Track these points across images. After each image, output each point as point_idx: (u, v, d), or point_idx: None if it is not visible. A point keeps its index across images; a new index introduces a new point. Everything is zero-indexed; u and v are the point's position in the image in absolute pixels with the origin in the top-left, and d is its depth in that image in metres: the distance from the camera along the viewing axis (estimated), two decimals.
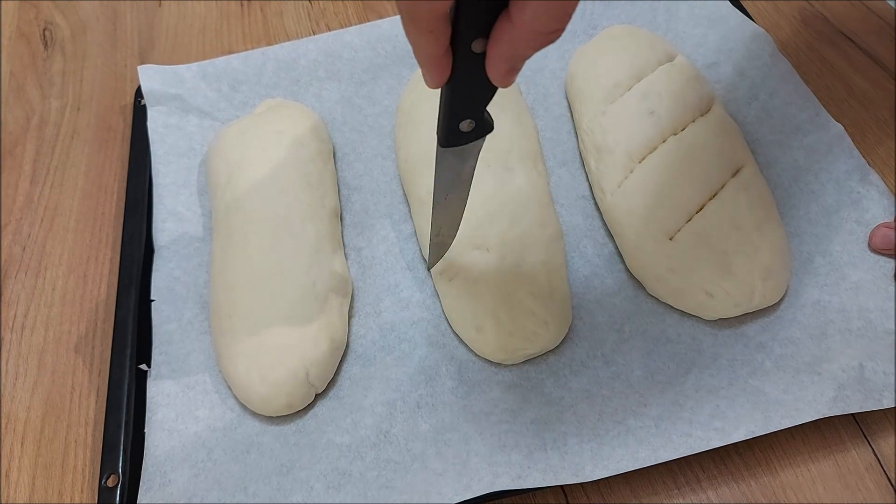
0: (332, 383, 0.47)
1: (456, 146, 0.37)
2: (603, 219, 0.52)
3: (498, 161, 0.50)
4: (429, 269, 0.49)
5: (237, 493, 0.42)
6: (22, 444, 0.47)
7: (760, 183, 0.49)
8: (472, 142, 0.37)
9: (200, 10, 0.73)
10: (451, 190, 0.41)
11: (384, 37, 0.63)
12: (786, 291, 0.47)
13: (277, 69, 0.62)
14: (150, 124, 0.58)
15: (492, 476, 0.40)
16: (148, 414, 0.46)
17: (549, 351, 0.46)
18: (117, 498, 0.42)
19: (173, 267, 0.52)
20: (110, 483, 0.42)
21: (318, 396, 0.46)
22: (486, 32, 0.29)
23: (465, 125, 0.36)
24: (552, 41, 0.29)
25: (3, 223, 0.59)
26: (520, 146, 0.52)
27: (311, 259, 0.48)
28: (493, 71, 0.30)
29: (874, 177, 0.49)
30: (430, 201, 0.50)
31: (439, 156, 0.38)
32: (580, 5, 0.63)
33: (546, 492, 0.42)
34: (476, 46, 0.30)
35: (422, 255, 0.52)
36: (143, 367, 0.47)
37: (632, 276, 0.49)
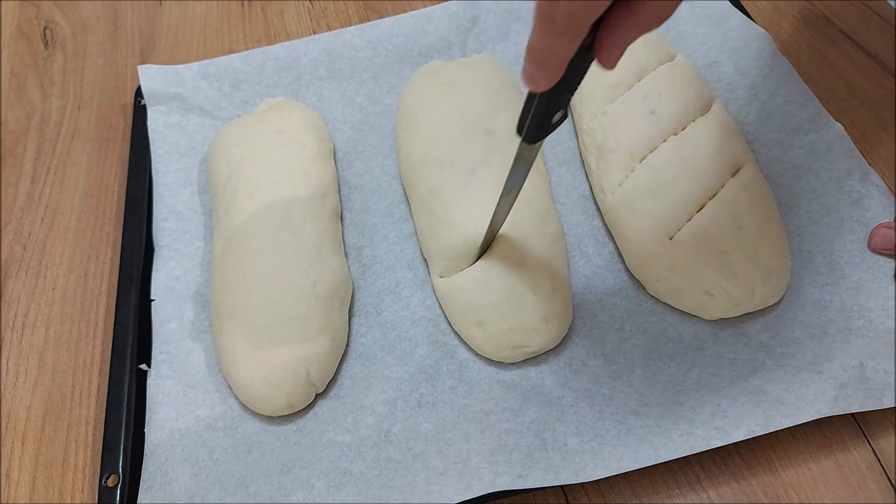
0: (332, 382, 0.47)
1: (543, 138, 0.38)
2: (603, 218, 0.52)
3: (500, 161, 0.50)
4: (474, 262, 0.48)
5: (238, 493, 0.42)
6: (22, 443, 0.47)
7: (761, 182, 0.49)
8: (552, 132, 0.38)
9: (201, 9, 0.73)
10: (521, 179, 0.42)
11: (385, 36, 0.63)
12: (786, 291, 0.47)
13: (278, 68, 0.62)
14: (150, 124, 0.58)
15: (492, 475, 0.40)
16: (148, 413, 0.46)
17: (550, 350, 0.46)
18: (117, 497, 0.42)
19: (173, 266, 0.52)
20: (110, 483, 0.42)
21: (318, 396, 0.46)
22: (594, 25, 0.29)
23: (558, 116, 0.36)
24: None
25: (3, 222, 0.59)
26: None
27: (312, 258, 0.48)
28: (608, 58, 0.31)
29: (874, 176, 0.49)
30: (431, 201, 0.50)
31: (520, 151, 0.39)
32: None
33: (546, 492, 0.42)
34: (587, 40, 0.30)
35: (422, 255, 0.52)
36: (144, 366, 0.47)
37: (632, 276, 0.49)
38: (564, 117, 0.37)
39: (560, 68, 0.31)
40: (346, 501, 0.41)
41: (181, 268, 0.52)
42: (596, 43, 0.31)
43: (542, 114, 0.35)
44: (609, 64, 0.32)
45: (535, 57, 0.30)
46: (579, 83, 0.34)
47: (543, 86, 0.32)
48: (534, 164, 0.51)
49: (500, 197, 0.43)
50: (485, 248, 0.47)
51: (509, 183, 0.42)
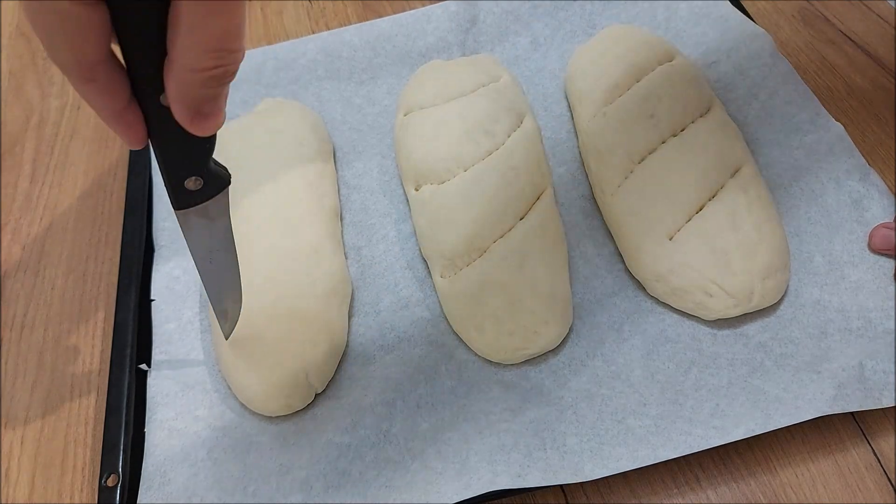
0: (331, 383, 0.47)
1: (190, 206, 0.34)
2: (603, 218, 0.52)
3: (502, 160, 0.50)
4: (227, 339, 0.45)
5: (237, 493, 0.42)
6: (21, 443, 0.47)
7: (760, 183, 0.49)
8: (206, 201, 0.34)
9: None
10: (213, 253, 0.38)
11: (384, 36, 0.63)
12: (785, 291, 0.47)
13: (277, 68, 0.62)
14: None
15: (491, 475, 0.40)
16: (148, 413, 0.46)
17: (549, 350, 0.46)
18: (117, 497, 0.42)
19: (173, 266, 0.52)
20: (110, 483, 0.42)
21: (317, 396, 0.46)
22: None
23: (191, 183, 0.32)
24: (224, 80, 0.26)
25: (2, 222, 0.59)
26: (524, 147, 0.52)
27: (311, 258, 0.48)
28: (178, 117, 0.27)
29: (874, 176, 0.49)
30: (431, 201, 0.50)
31: (181, 220, 0.35)
32: (580, 5, 0.64)
33: (546, 491, 0.42)
34: (164, 99, 0.27)
35: (421, 255, 0.52)
36: (144, 366, 0.47)
37: (632, 276, 0.49)
38: (215, 190, 0.33)
39: (125, 123, 0.28)
40: (344, 502, 0.41)
41: (181, 268, 0.52)
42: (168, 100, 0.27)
43: (167, 178, 0.32)
44: (189, 126, 0.28)
45: (98, 115, 0.27)
46: (203, 149, 0.31)
47: (127, 143, 0.29)
48: (535, 164, 0.52)
49: (201, 277, 0.39)
50: (231, 327, 0.44)
51: (197, 260, 0.38)
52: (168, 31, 0.25)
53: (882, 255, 0.47)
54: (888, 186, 0.50)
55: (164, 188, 0.33)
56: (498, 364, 0.46)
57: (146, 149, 0.57)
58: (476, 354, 0.47)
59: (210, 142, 0.31)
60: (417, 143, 0.53)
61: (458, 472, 0.41)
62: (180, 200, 0.33)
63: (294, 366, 0.44)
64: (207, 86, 0.27)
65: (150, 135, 0.29)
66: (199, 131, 0.28)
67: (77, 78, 0.26)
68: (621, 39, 0.57)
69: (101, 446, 0.44)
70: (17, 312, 0.53)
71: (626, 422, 0.42)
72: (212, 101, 0.28)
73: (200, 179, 0.33)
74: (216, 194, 0.34)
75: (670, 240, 0.47)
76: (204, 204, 0.34)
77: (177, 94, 0.27)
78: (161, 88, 0.27)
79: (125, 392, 0.45)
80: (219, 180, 0.34)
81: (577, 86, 0.57)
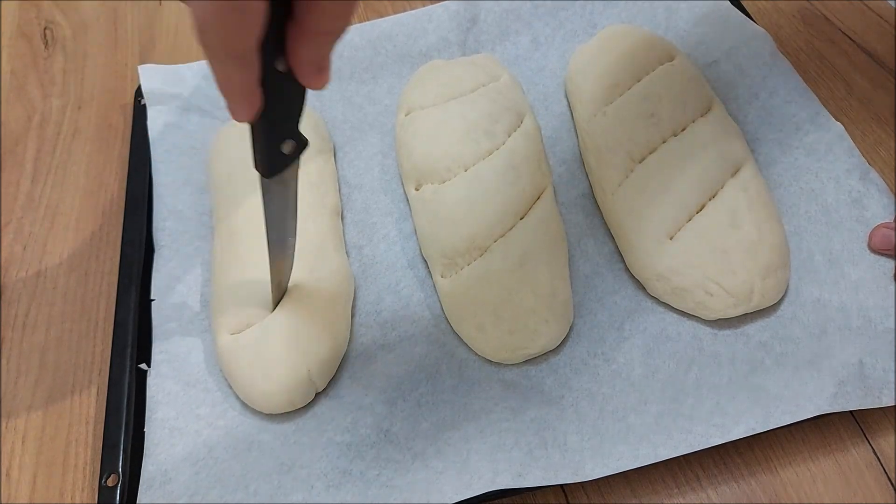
0: (332, 382, 0.47)
1: (281, 172, 0.36)
2: (603, 218, 0.52)
3: (503, 160, 0.50)
4: (272, 311, 0.46)
5: (238, 492, 0.42)
6: (23, 442, 0.47)
7: (760, 182, 0.49)
8: (294, 161, 0.36)
9: None
10: (284, 222, 0.40)
11: (385, 35, 0.63)
12: (786, 290, 0.47)
13: None
14: (150, 123, 0.58)
15: (492, 474, 0.40)
16: (148, 413, 0.46)
17: (550, 349, 0.46)
18: (117, 497, 0.42)
19: (173, 266, 0.52)
20: (110, 482, 0.42)
21: (318, 395, 0.46)
22: (282, 46, 0.28)
23: (287, 146, 0.35)
24: (341, 37, 0.29)
25: (4, 222, 0.59)
26: (524, 147, 0.52)
27: (314, 256, 0.48)
28: (305, 77, 0.30)
29: (874, 175, 0.49)
30: (431, 200, 0.50)
31: (265, 190, 0.37)
32: (580, 4, 0.64)
33: (546, 491, 0.42)
34: (280, 65, 0.29)
35: (422, 255, 0.52)
36: (144, 366, 0.47)
37: (632, 275, 0.49)
38: (301, 149, 0.36)
39: (250, 97, 0.29)
40: (345, 501, 0.41)
41: (181, 268, 0.52)
42: (290, 63, 0.29)
43: (267, 146, 0.34)
44: (312, 83, 0.30)
45: (221, 89, 0.29)
46: (300, 109, 0.33)
47: (243, 116, 0.30)
48: (536, 165, 0.52)
49: (272, 250, 0.41)
50: (279, 298, 0.46)
51: (272, 232, 0.40)
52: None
53: (881, 255, 0.47)
54: (888, 185, 0.50)
55: (254, 158, 0.35)
56: (499, 363, 0.46)
57: (146, 149, 0.57)
58: (477, 353, 0.47)
59: (303, 104, 0.33)
60: (418, 143, 0.53)
61: (458, 471, 0.41)
62: (273, 166, 0.36)
63: (296, 364, 0.44)
64: (332, 44, 0.29)
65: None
66: (319, 86, 0.31)
67: (231, 58, 0.27)
68: (622, 39, 0.57)
69: (101, 446, 0.44)
70: (19, 312, 0.53)
71: (626, 420, 0.42)
72: (329, 56, 0.30)
73: (293, 141, 0.35)
74: (299, 156, 0.36)
75: (671, 239, 0.47)
76: (290, 167, 0.36)
77: (306, 56, 0.29)
78: (277, 54, 0.29)
79: (125, 392, 0.45)
80: (303, 142, 0.36)
81: (577, 85, 0.57)
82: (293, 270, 0.47)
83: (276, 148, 0.34)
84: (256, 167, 0.36)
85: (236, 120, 0.30)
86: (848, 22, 0.63)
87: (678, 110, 0.51)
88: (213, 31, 0.25)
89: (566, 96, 0.60)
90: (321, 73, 0.30)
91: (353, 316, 0.50)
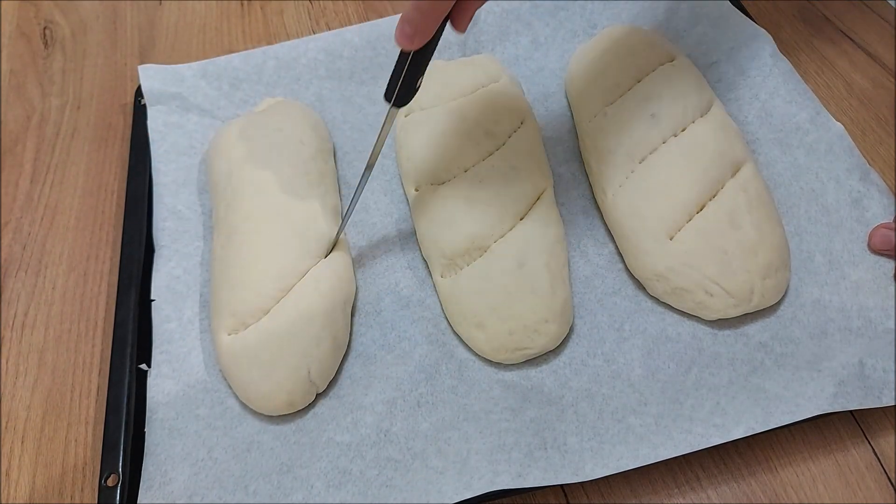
0: (332, 382, 0.47)
1: (408, 103, 0.43)
2: (603, 218, 0.52)
3: (504, 160, 0.50)
4: (325, 256, 0.49)
5: (238, 492, 0.42)
6: (22, 442, 0.47)
7: (760, 183, 0.49)
8: (413, 97, 0.43)
9: (201, 8, 0.73)
10: (381, 146, 0.46)
11: (384, 36, 0.63)
12: (786, 290, 0.47)
13: (278, 68, 0.62)
14: (150, 123, 0.58)
15: (492, 474, 0.40)
16: (148, 413, 0.46)
17: (550, 350, 0.46)
18: (117, 497, 0.42)
19: (173, 266, 0.52)
20: (110, 482, 0.42)
21: (318, 395, 0.46)
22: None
23: (420, 81, 0.42)
24: None
25: (3, 221, 0.59)
26: (524, 147, 0.52)
27: (313, 257, 0.48)
28: (461, 23, 0.39)
29: (874, 175, 0.49)
30: (431, 201, 0.50)
31: (389, 116, 0.43)
32: (580, 4, 0.64)
33: (546, 491, 0.42)
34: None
35: (421, 255, 0.52)
36: (144, 366, 0.47)
37: (632, 276, 0.49)
38: (417, 89, 0.42)
39: (432, 29, 0.37)
40: (345, 501, 0.41)
41: (181, 268, 0.52)
42: (454, 9, 0.37)
43: (413, 77, 0.41)
44: (462, 28, 0.39)
45: (411, 18, 0.36)
46: (435, 47, 0.40)
47: (418, 44, 0.37)
48: (536, 164, 0.52)
49: (372, 168, 0.47)
50: (343, 225, 0.50)
51: (376, 153, 0.46)
52: None
53: (881, 255, 0.47)
54: (888, 185, 0.50)
55: (390, 89, 0.42)
56: (498, 363, 0.46)
57: (146, 148, 0.57)
58: (476, 353, 0.47)
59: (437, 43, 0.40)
60: (418, 144, 0.53)
61: (458, 471, 0.41)
62: (405, 97, 0.42)
63: (296, 364, 0.44)
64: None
65: None
66: (464, 31, 0.40)
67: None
68: (622, 39, 0.57)
69: (101, 446, 0.44)
70: (18, 312, 0.53)
71: (626, 420, 0.42)
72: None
73: (423, 79, 0.42)
74: (416, 93, 0.43)
75: (671, 239, 0.47)
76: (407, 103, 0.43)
77: (473, 6, 0.39)
78: None
79: (125, 392, 0.45)
80: (418, 87, 0.43)
81: (577, 85, 0.57)
82: (293, 271, 0.47)
83: (414, 82, 0.41)
84: (389, 97, 0.42)
85: (407, 47, 0.38)
86: (848, 22, 0.63)
87: (678, 110, 0.51)
88: None
89: (566, 96, 0.60)
90: (469, 22, 0.40)
91: (353, 316, 0.50)
